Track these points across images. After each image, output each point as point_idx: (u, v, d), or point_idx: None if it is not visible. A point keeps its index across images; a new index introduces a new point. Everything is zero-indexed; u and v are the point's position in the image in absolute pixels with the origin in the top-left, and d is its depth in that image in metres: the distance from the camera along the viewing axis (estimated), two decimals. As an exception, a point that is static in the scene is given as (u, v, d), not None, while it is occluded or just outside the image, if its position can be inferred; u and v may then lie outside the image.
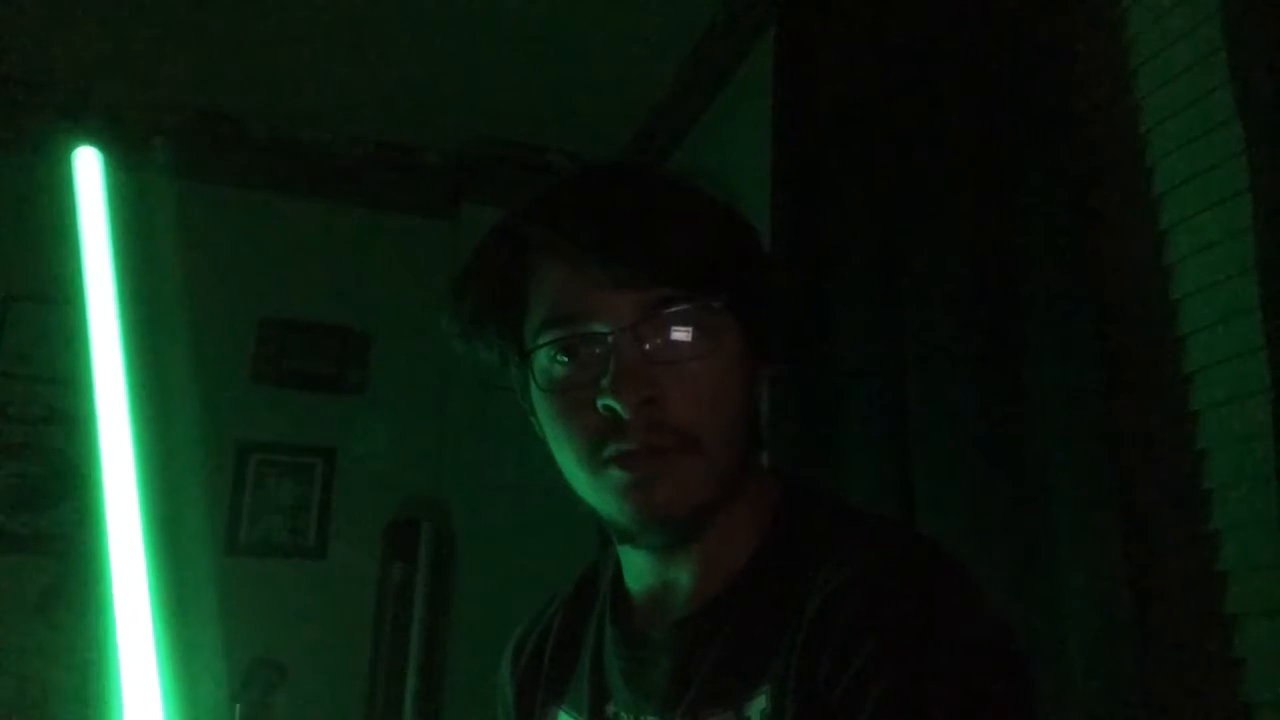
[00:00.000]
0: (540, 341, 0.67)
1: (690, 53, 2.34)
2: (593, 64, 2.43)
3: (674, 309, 0.65)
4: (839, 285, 1.46)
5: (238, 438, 2.60)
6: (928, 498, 1.24)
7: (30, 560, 2.33)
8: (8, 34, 2.25)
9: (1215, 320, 1.03)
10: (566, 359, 0.67)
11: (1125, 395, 1.09)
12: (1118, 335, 1.11)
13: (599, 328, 0.65)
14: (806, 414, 1.47)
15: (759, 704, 0.63)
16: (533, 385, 0.69)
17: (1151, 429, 1.08)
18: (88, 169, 0.57)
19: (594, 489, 0.67)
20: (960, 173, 1.27)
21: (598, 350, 0.65)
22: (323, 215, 2.81)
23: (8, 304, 2.42)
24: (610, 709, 0.73)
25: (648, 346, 0.65)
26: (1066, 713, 1.00)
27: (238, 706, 2.33)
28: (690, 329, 0.65)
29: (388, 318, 2.76)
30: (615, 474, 0.65)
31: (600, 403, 0.63)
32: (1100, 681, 0.98)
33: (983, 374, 1.19)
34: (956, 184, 1.27)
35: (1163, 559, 1.04)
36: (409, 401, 2.73)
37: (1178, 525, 1.04)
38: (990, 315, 1.20)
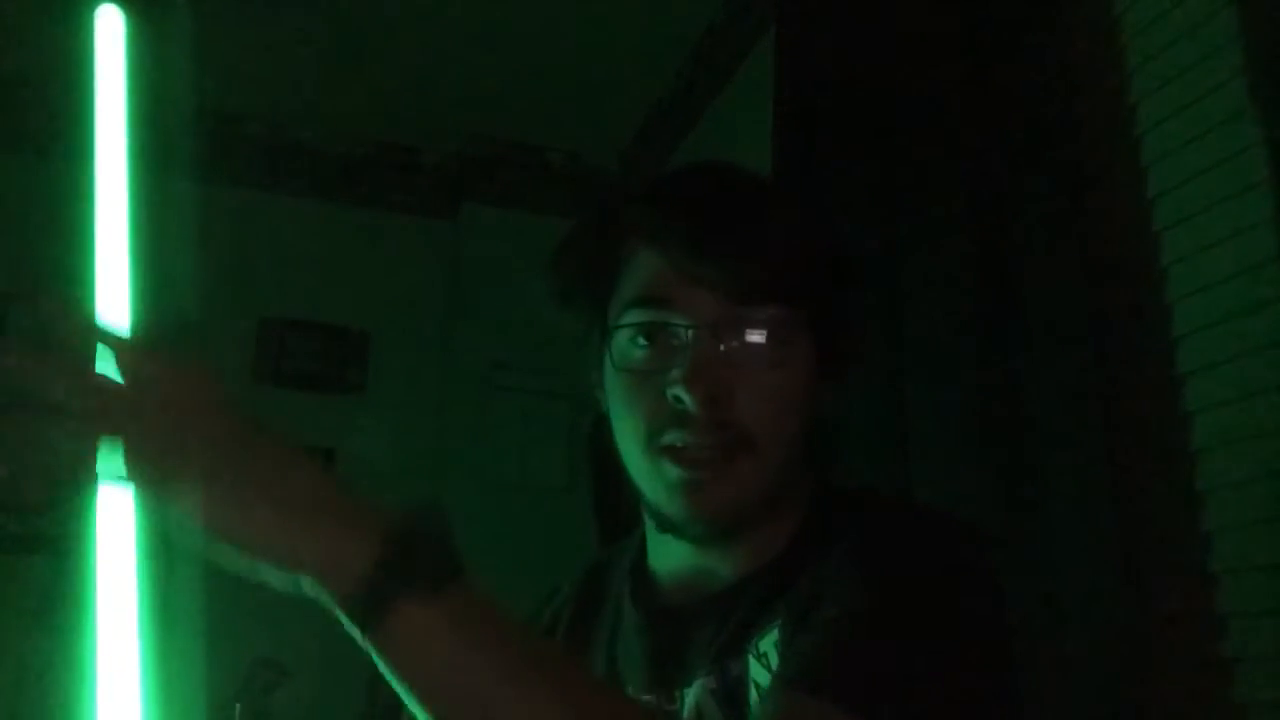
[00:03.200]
0: (623, 321, 0.70)
1: (690, 53, 2.34)
2: (593, 64, 2.43)
3: (754, 315, 0.67)
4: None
5: (238, 438, 2.59)
6: (926, 498, 1.24)
7: (30, 560, 2.33)
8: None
9: (1210, 322, 1.03)
10: (646, 343, 0.69)
11: (1122, 397, 1.09)
12: (1115, 336, 1.11)
13: (680, 320, 0.67)
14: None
15: (771, 637, 0.66)
16: (608, 361, 0.71)
17: (1148, 430, 1.08)
18: (109, 30, 0.51)
19: (647, 474, 0.69)
20: (959, 172, 1.27)
21: (676, 341, 0.67)
22: (323, 215, 2.81)
23: (7, 304, 2.42)
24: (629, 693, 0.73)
25: (724, 347, 0.67)
26: (1066, 712, 1.00)
27: (238, 706, 2.33)
28: (766, 336, 0.67)
29: (388, 318, 2.76)
30: (670, 468, 0.67)
31: (670, 392, 0.66)
32: (1099, 681, 0.98)
33: (982, 374, 1.19)
34: (956, 183, 1.27)
35: (1159, 560, 1.04)
36: (409, 401, 2.73)
37: (1173, 526, 1.04)
38: (989, 314, 1.20)
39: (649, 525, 0.76)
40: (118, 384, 0.45)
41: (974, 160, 1.25)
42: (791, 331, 0.68)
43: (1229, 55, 1.02)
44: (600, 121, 2.69)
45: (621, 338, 0.70)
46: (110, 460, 0.43)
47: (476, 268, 2.71)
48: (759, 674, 0.66)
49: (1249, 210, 0.97)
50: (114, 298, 0.48)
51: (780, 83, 1.70)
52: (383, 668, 0.47)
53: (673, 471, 0.67)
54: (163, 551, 0.44)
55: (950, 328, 1.24)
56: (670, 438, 0.67)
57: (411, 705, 0.48)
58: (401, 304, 2.77)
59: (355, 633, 0.47)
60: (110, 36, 0.51)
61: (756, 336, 0.67)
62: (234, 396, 0.49)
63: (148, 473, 0.44)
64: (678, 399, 0.66)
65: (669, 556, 0.76)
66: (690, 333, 0.67)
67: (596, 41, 2.34)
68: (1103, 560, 1.01)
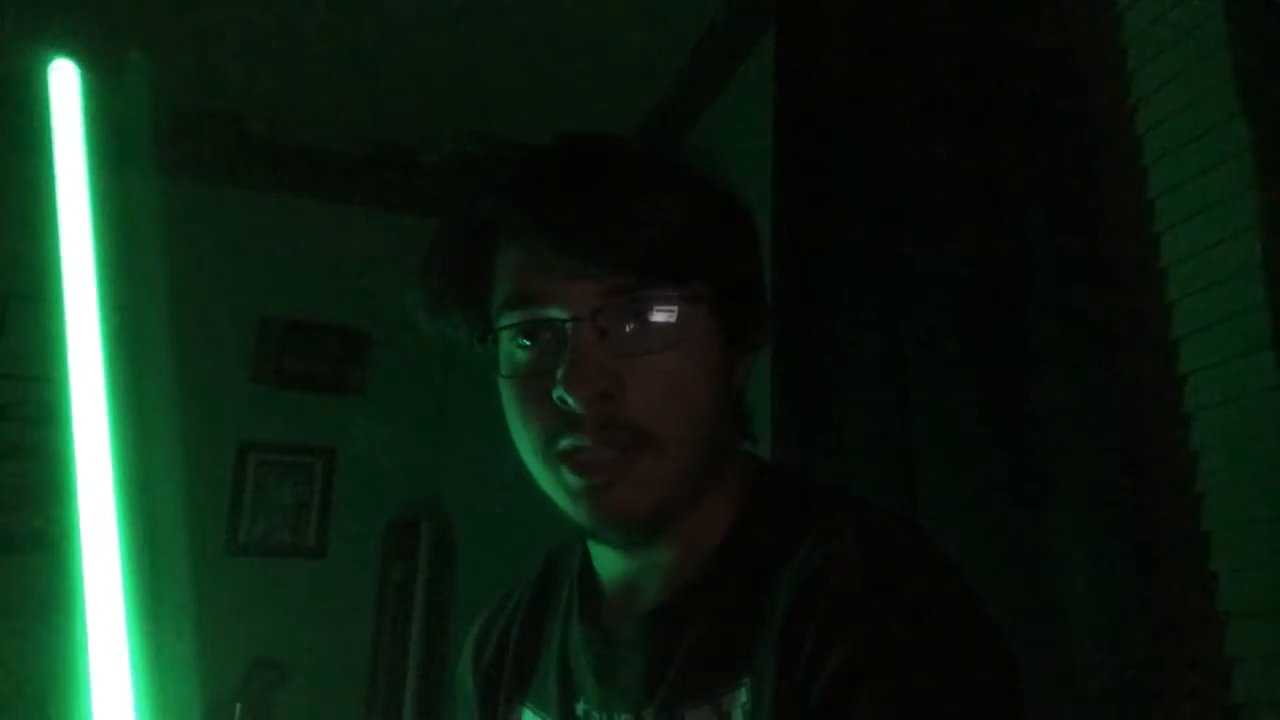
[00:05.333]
0: (501, 323, 0.65)
1: (690, 53, 2.34)
2: (593, 64, 2.43)
3: (635, 298, 0.62)
4: (840, 286, 1.46)
5: (238, 438, 2.60)
6: (929, 498, 1.24)
7: (30, 560, 2.33)
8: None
9: (1209, 323, 1.03)
10: (528, 343, 0.64)
11: (1124, 395, 1.09)
12: (1116, 336, 1.11)
13: (557, 314, 0.62)
14: (808, 413, 1.46)
15: (739, 698, 0.61)
16: (497, 368, 0.67)
17: (1149, 430, 1.08)
18: (63, 85, 0.50)
19: (548, 483, 0.65)
20: (960, 170, 1.27)
21: (556, 337, 0.62)
22: (323, 215, 2.81)
23: (7, 304, 2.42)
24: (580, 707, 0.70)
25: (607, 336, 0.61)
26: (1068, 712, 1.00)
27: (238, 706, 2.33)
28: (653, 319, 0.62)
29: (388, 318, 2.76)
30: (569, 476, 0.62)
31: (555, 394, 0.61)
32: (1103, 681, 0.98)
33: (984, 373, 1.19)
34: (957, 182, 1.27)
35: (1159, 560, 1.04)
36: (409, 401, 2.73)
37: (1173, 526, 1.04)
38: (992, 313, 1.20)
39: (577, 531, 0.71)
40: None
41: (975, 159, 1.25)
42: (683, 307, 0.63)
43: (1227, 56, 1.02)
44: (600, 121, 2.68)
45: (505, 341, 0.65)
46: None
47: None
48: None
49: (1249, 211, 0.97)
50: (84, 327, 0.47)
51: (780, 83, 1.70)
52: None
53: (571, 479, 0.62)
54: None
55: (953, 327, 1.24)
56: (565, 443, 0.62)
57: None
58: (401, 304, 2.77)
59: None
60: (65, 90, 0.50)
61: (641, 323, 0.62)
62: None
63: None
64: (563, 400, 0.60)
65: (604, 561, 0.72)
66: (568, 326, 0.61)
67: (596, 41, 2.34)
68: (1107, 560, 1.00)
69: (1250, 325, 0.96)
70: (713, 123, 2.40)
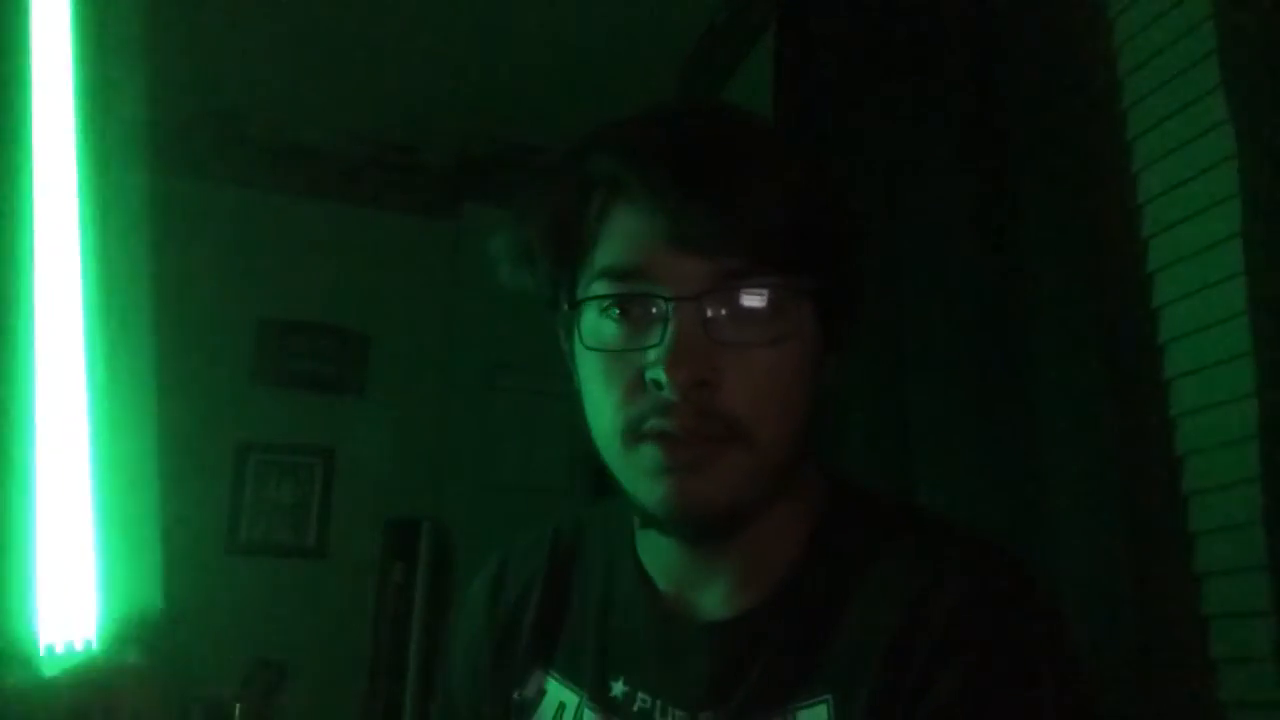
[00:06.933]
0: (593, 292, 0.61)
1: (690, 53, 2.34)
2: (592, 64, 2.43)
3: (745, 284, 0.58)
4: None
5: (238, 438, 2.60)
6: (928, 497, 1.24)
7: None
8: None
9: (1194, 329, 1.04)
10: (619, 315, 0.60)
11: (1117, 398, 1.10)
12: (1112, 340, 1.12)
13: (660, 290, 0.58)
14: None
15: (819, 713, 0.59)
16: (577, 337, 0.62)
17: (1136, 433, 1.08)
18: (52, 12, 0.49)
19: (624, 464, 0.61)
20: (960, 172, 1.27)
21: (654, 314, 0.58)
22: (323, 215, 2.81)
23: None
24: (618, 687, 0.67)
25: (711, 321, 0.58)
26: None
27: (238, 706, 2.33)
28: (760, 309, 0.58)
29: (388, 318, 2.77)
30: (650, 453, 0.58)
31: (649, 376, 0.57)
32: (1101, 680, 0.98)
33: (983, 373, 1.20)
34: (956, 182, 1.27)
35: (1157, 561, 1.04)
36: (409, 401, 2.73)
37: (1160, 528, 1.04)
38: (990, 313, 1.20)
39: (640, 523, 0.68)
40: None
41: (975, 160, 1.25)
42: (790, 301, 0.59)
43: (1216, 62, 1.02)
44: (600, 121, 2.68)
45: (592, 310, 0.61)
46: None
47: (476, 268, 2.71)
48: None
49: (1236, 218, 0.97)
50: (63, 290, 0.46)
51: (780, 82, 1.70)
52: None
53: (653, 457, 0.58)
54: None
55: (951, 328, 1.24)
56: (651, 425, 0.58)
57: None
58: (401, 304, 2.77)
59: None
60: (53, 19, 0.49)
61: (750, 312, 0.58)
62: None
63: None
64: (657, 383, 0.56)
65: (662, 557, 0.68)
66: (670, 305, 0.57)
67: (596, 41, 2.34)
68: (1102, 561, 1.01)
69: (1234, 330, 0.96)
70: (712, 123, 2.40)
